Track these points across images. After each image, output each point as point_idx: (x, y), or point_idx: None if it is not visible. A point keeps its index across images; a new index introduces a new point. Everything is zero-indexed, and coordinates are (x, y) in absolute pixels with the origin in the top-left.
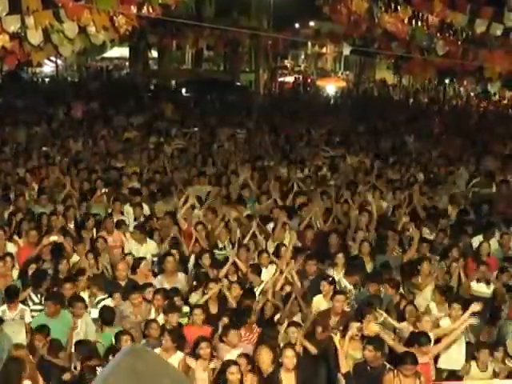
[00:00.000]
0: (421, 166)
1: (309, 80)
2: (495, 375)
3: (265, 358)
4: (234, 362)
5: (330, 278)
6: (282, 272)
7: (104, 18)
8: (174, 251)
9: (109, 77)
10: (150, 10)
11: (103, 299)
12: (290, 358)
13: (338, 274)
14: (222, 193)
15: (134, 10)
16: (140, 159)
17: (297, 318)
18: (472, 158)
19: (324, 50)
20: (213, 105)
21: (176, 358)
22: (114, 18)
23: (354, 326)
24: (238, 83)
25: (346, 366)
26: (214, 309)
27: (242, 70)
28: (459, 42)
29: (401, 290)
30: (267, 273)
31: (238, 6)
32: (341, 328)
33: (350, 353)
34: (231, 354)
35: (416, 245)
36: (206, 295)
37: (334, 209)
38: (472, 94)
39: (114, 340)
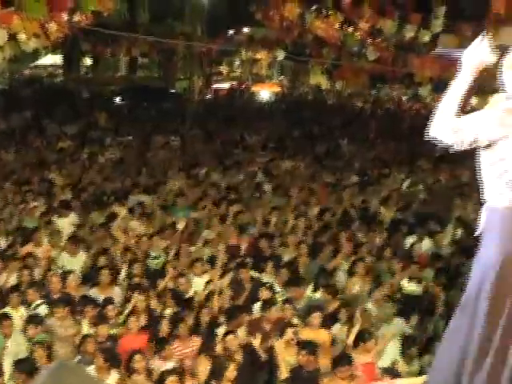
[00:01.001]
0: (354, 168)
1: (244, 86)
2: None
3: (202, 367)
4: (173, 372)
5: (268, 285)
6: (216, 280)
7: (35, 25)
8: (107, 263)
9: (41, 84)
10: (83, 18)
11: (38, 305)
12: (230, 370)
13: (269, 279)
14: (156, 201)
15: (64, 17)
16: (73, 170)
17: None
18: (405, 159)
19: (259, 55)
20: (147, 112)
21: (112, 380)
22: (46, 25)
23: (290, 331)
24: (173, 90)
25: (284, 372)
26: (143, 321)
27: (177, 76)
28: (389, 48)
29: None
30: (201, 282)
31: (172, 12)
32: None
33: (286, 358)
34: (165, 367)
35: (347, 248)
36: (129, 306)
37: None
38: (404, 98)
39: None
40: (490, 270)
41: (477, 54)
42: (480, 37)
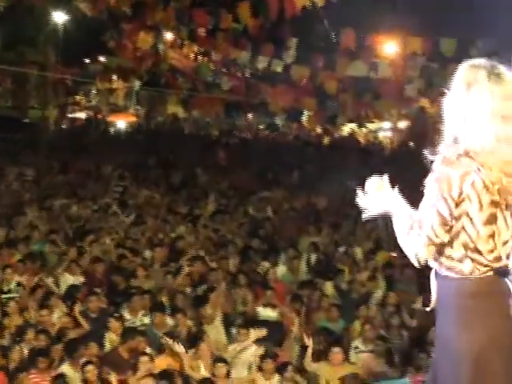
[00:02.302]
0: (210, 197)
1: (100, 116)
2: None
3: None
4: None
5: (117, 315)
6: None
7: None
8: None
9: None
10: None
11: None
12: None
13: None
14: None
15: None
16: None
17: None
18: (261, 187)
19: (115, 85)
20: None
21: None
22: None
23: (143, 364)
24: (26, 120)
25: None
26: None
27: (31, 106)
28: (243, 78)
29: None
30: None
31: (25, 39)
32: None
33: None
34: None
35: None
36: None
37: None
38: (260, 126)
39: None
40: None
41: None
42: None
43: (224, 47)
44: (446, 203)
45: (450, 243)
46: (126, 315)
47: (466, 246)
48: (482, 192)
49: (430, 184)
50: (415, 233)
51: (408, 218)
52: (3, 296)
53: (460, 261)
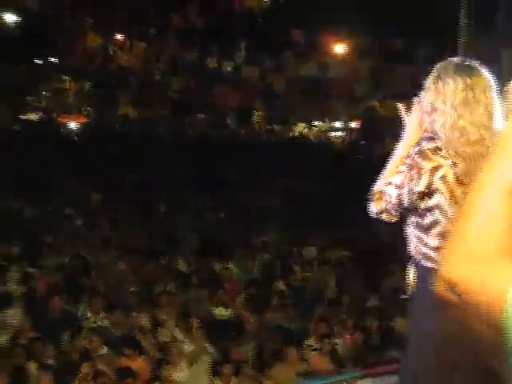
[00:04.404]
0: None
1: (52, 117)
2: None
3: None
4: None
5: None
6: None
7: None
8: None
9: None
10: None
11: None
12: None
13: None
14: None
15: None
16: None
17: None
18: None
19: (65, 85)
20: None
21: None
22: None
23: (85, 366)
24: None
25: None
26: None
27: None
28: (192, 78)
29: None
30: None
31: None
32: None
33: None
34: None
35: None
36: None
37: None
38: (208, 126)
39: None
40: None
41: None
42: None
43: (173, 47)
44: (409, 191)
45: (428, 230)
46: (85, 316)
47: (441, 236)
48: (454, 185)
49: (402, 168)
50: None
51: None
52: None
53: (435, 250)
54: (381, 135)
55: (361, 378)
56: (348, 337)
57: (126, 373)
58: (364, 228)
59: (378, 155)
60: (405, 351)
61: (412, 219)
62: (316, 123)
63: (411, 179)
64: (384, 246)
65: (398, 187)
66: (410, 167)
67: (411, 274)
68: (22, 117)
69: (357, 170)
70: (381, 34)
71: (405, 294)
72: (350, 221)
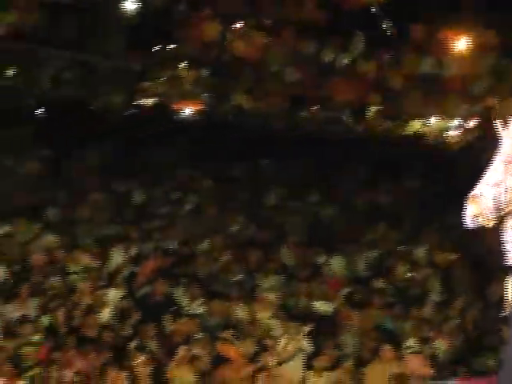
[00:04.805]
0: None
1: (168, 102)
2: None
3: (110, 378)
4: None
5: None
6: None
7: None
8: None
9: None
10: None
11: None
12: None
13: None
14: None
15: None
16: None
17: None
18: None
19: (183, 73)
20: (67, 127)
21: None
22: None
23: (182, 350)
24: (94, 105)
25: None
26: None
27: (100, 91)
28: (308, 70)
29: None
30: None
31: (89, 27)
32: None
33: (181, 378)
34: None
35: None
36: None
37: None
38: (324, 120)
39: None
40: None
41: None
42: None
43: (291, 38)
44: (507, 188)
45: None
46: (184, 301)
47: None
48: None
49: (499, 167)
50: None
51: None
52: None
53: None
54: (498, 135)
55: None
56: (448, 341)
57: (221, 359)
58: (475, 232)
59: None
60: (502, 362)
61: (511, 223)
62: (432, 121)
63: (509, 175)
64: (495, 251)
65: (495, 185)
66: (507, 163)
67: (510, 287)
68: (138, 102)
69: (473, 170)
70: (504, 29)
71: (503, 310)
72: (462, 223)
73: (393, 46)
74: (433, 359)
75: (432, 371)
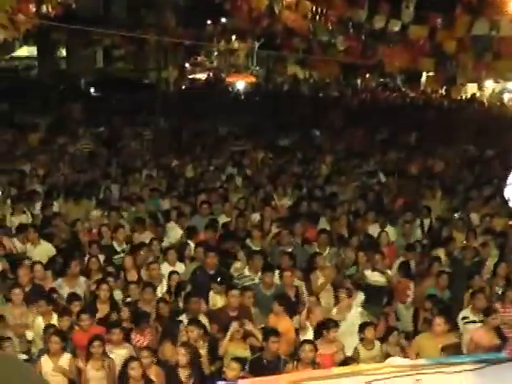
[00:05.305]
0: (326, 159)
1: (221, 76)
2: (387, 356)
3: (167, 351)
4: (135, 358)
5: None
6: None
7: (2, 16)
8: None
9: (16, 76)
10: (51, 9)
11: None
12: (183, 355)
13: (241, 268)
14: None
15: (32, 8)
16: (44, 161)
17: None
18: (377, 150)
19: (235, 46)
20: (120, 104)
21: (64, 360)
22: (13, 16)
23: (234, 325)
24: (147, 81)
25: (232, 365)
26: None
27: (152, 67)
28: (359, 38)
29: None
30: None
31: (145, 3)
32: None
33: (233, 352)
34: (115, 354)
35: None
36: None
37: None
38: (377, 87)
39: None
40: None
41: None
42: None
43: (340, 6)
44: None
45: None
46: (245, 272)
47: None
48: None
49: None
50: None
51: None
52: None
53: None
54: None
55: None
56: (506, 311)
57: (272, 332)
58: None
59: None
60: None
61: None
62: (487, 85)
63: None
64: None
65: None
66: None
67: None
68: (193, 76)
69: None
70: None
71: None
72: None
73: (444, 9)
74: (490, 330)
75: (495, 341)
